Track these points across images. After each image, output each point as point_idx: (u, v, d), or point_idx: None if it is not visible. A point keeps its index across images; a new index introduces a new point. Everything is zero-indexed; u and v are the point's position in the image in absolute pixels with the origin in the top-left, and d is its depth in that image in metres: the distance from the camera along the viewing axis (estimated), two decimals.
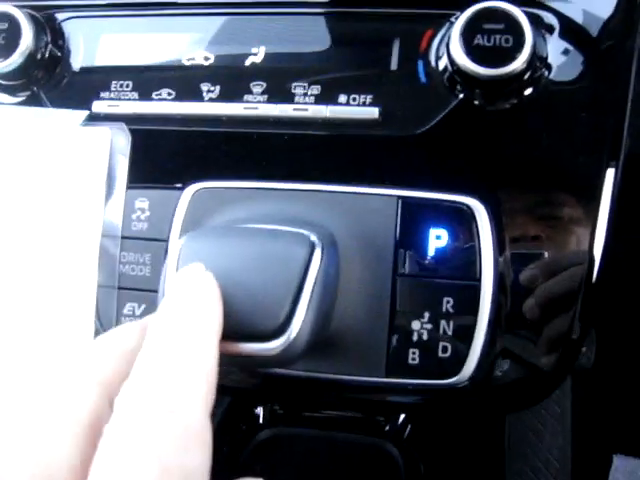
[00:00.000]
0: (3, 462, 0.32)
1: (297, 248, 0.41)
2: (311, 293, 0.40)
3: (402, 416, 0.66)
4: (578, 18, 0.48)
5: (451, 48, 0.46)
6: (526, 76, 0.47)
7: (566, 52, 0.48)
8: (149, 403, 0.32)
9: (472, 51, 0.46)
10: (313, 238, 0.42)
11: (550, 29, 0.49)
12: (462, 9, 0.48)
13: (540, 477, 0.98)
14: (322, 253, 0.41)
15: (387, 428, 0.66)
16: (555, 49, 0.48)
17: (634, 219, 0.53)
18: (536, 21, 0.48)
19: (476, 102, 0.48)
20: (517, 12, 0.46)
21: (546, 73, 0.48)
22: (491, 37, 0.46)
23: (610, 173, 0.47)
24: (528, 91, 0.48)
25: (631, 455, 1.00)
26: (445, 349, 0.46)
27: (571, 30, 0.48)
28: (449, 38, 0.47)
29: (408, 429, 0.67)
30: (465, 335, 0.46)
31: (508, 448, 0.95)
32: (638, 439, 0.99)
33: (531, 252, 0.47)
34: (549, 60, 0.48)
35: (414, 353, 0.46)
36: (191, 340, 0.34)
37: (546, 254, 0.47)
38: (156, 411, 0.31)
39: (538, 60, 0.47)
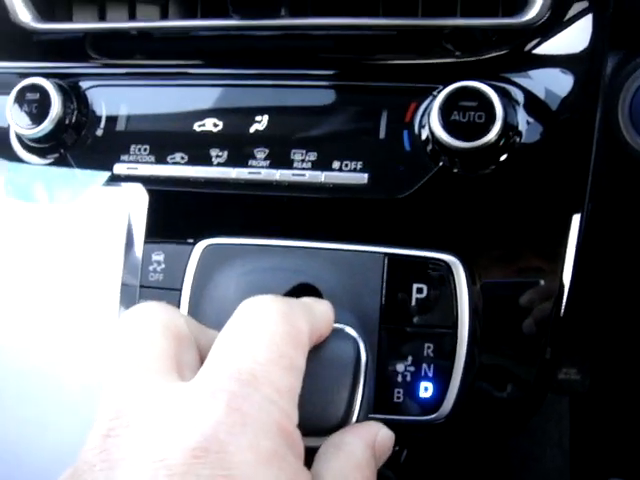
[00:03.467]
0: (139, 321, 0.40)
1: (346, 346, 0.45)
2: (363, 386, 0.44)
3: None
4: (541, 94, 0.54)
5: (431, 122, 0.52)
6: (500, 144, 0.52)
7: (533, 122, 0.54)
8: (266, 308, 0.39)
9: (449, 126, 0.51)
10: (354, 334, 0.46)
11: (518, 101, 0.54)
12: (443, 83, 0.53)
13: None
14: (365, 347, 0.46)
15: None
16: (523, 119, 0.54)
17: (597, 260, 0.58)
18: (507, 94, 0.54)
19: (455, 170, 0.53)
20: (489, 91, 0.51)
21: (518, 139, 0.54)
22: (466, 113, 0.51)
23: (575, 223, 0.53)
24: (503, 157, 0.53)
25: (627, 478, 1.04)
26: (426, 389, 0.52)
27: (535, 103, 0.54)
28: (430, 112, 0.53)
29: (404, 454, 0.72)
30: (444, 376, 0.52)
31: (507, 472, 0.99)
32: (634, 463, 1.01)
33: (504, 297, 0.53)
34: (519, 128, 0.54)
35: (399, 392, 0.52)
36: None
37: (518, 297, 0.53)
38: (275, 313, 0.39)
39: (510, 129, 0.53)
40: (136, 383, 0.36)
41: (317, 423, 0.41)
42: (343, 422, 0.43)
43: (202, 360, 0.39)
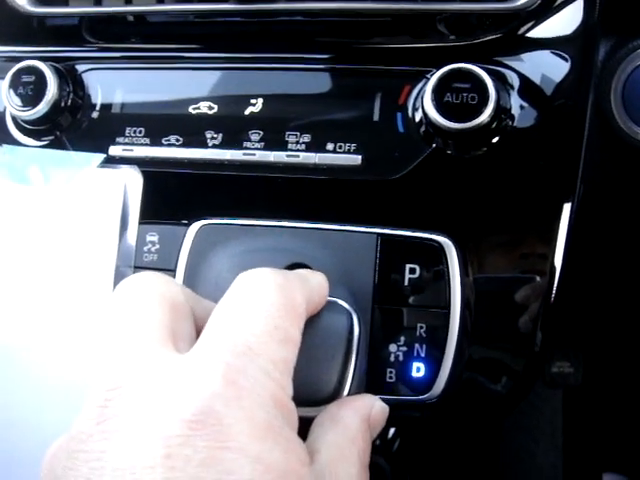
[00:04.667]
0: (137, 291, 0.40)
1: (340, 318, 0.46)
2: (356, 358, 0.45)
3: (392, 430, 0.71)
4: (535, 78, 0.55)
5: (424, 104, 0.53)
6: (493, 126, 0.53)
7: (526, 106, 0.55)
8: (262, 280, 0.40)
9: (442, 107, 0.52)
10: (348, 306, 0.47)
11: (512, 85, 0.55)
12: (437, 66, 0.54)
13: None
14: (358, 320, 0.47)
15: (377, 442, 0.71)
16: (516, 103, 0.54)
17: (588, 248, 0.59)
18: (501, 78, 0.55)
19: (448, 151, 0.54)
20: (482, 73, 0.52)
21: (510, 123, 0.54)
22: (459, 95, 0.52)
23: (566, 209, 0.53)
24: (495, 139, 0.54)
25: (620, 473, 1.03)
26: (418, 369, 0.52)
27: (529, 87, 0.54)
28: (423, 94, 0.53)
29: (397, 442, 0.73)
30: (436, 357, 0.52)
31: (501, 467, 0.99)
32: (627, 457, 1.02)
33: (496, 280, 0.53)
34: (512, 112, 0.54)
35: (391, 372, 0.52)
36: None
37: (509, 281, 0.53)
38: (271, 286, 0.39)
39: (502, 112, 0.53)
40: (133, 353, 0.37)
41: (310, 394, 0.42)
42: (336, 393, 0.44)
43: (198, 330, 0.40)
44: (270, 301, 0.39)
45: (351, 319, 0.46)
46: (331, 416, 0.42)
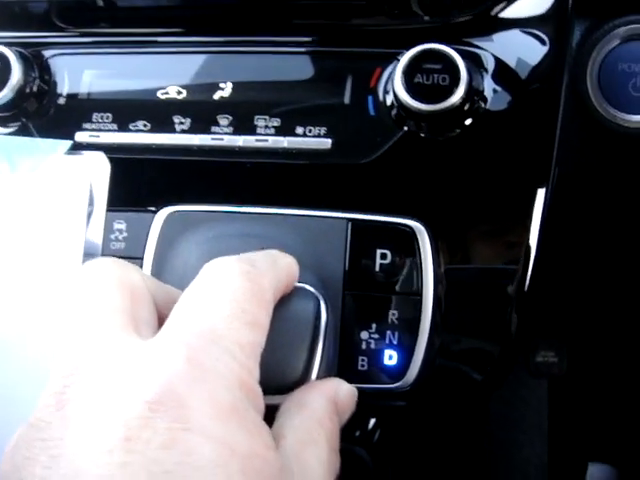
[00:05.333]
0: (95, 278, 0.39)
1: (307, 304, 0.45)
2: (323, 344, 0.44)
3: (372, 421, 0.71)
4: (509, 59, 0.54)
5: (395, 86, 0.52)
6: (465, 107, 0.52)
7: (499, 88, 0.54)
8: (228, 267, 0.39)
9: (413, 89, 0.51)
10: (316, 292, 0.46)
11: (485, 67, 0.54)
12: (407, 47, 0.53)
13: None
14: (326, 306, 0.46)
15: (357, 433, 0.70)
16: (490, 84, 0.53)
17: (564, 231, 0.58)
18: (474, 59, 0.54)
19: (422, 134, 0.53)
20: (453, 54, 0.51)
21: (483, 104, 0.53)
22: (430, 76, 0.51)
23: (541, 193, 0.52)
24: (468, 121, 0.53)
25: (606, 463, 1.03)
26: (391, 357, 0.51)
27: (502, 69, 0.53)
28: (394, 76, 0.52)
29: (378, 433, 0.72)
30: (408, 344, 0.51)
31: (486, 457, 0.99)
32: (612, 447, 1.02)
33: (469, 266, 0.53)
34: (485, 93, 0.53)
35: (363, 360, 0.51)
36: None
37: (483, 267, 0.52)
38: (238, 272, 0.39)
39: (475, 94, 0.52)
40: (91, 338, 0.36)
41: (277, 380, 0.41)
42: (302, 380, 0.43)
43: (160, 317, 0.39)
44: (236, 286, 0.38)
45: (318, 305, 0.45)
46: (297, 401, 0.41)
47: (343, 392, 0.43)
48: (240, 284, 0.38)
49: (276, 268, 0.43)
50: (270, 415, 0.39)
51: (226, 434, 0.33)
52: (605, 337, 0.91)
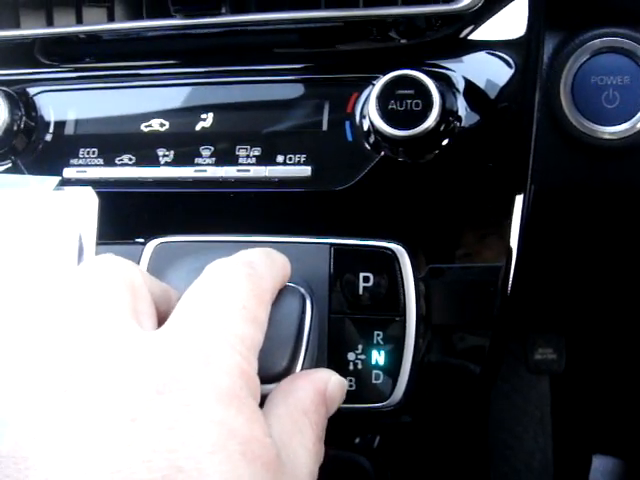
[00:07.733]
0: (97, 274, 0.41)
1: (293, 300, 0.47)
2: (307, 337, 0.46)
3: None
4: (478, 80, 0.55)
5: (370, 113, 0.53)
6: (441, 129, 0.53)
7: (472, 107, 0.55)
8: (231, 268, 0.42)
9: (387, 115, 0.52)
10: (302, 290, 0.48)
11: (457, 88, 0.55)
12: (383, 72, 0.53)
13: (522, 478, 1.03)
14: (312, 303, 0.48)
15: (357, 440, 0.71)
16: (463, 105, 0.54)
17: (541, 248, 0.59)
18: (446, 80, 0.55)
19: (399, 158, 0.54)
20: (424, 78, 0.52)
21: (458, 124, 0.54)
22: (403, 102, 0.52)
23: (517, 208, 0.53)
24: (445, 142, 0.54)
25: (609, 455, 1.04)
26: (377, 376, 0.53)
27: (472, 90, 0.54)
28: (369, 102, 0.53)
29: (377, 440, 0.73)
30: (394, 363, 0.52)
31: (490, 453, 1.00)
32: (616, 439, 1.03)
33: (450, 283, 0.54)
34: (459, 114, 0.54)
35: (351, 380, 0.53)
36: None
37: (463, 283, 0.54)
38: (239, 273, 0.41)
39: (449, 115, 0.53)
40: (99, 328, 0.38)
41: (264, 371, 0.42)
42: (288, 370, 0.45)
43: (158, 311, 0.42)
44: (238, 285, 0.41)
45: (304, 300, 0.47)
46: (283, 390, 0.43)
47: (333, 383, 0.44)
48: (243, 285, 0.41)
49: (273, 269, 0.45)
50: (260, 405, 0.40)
51: (227, 417, 0.35)
52: (603, 329, 0.92)
